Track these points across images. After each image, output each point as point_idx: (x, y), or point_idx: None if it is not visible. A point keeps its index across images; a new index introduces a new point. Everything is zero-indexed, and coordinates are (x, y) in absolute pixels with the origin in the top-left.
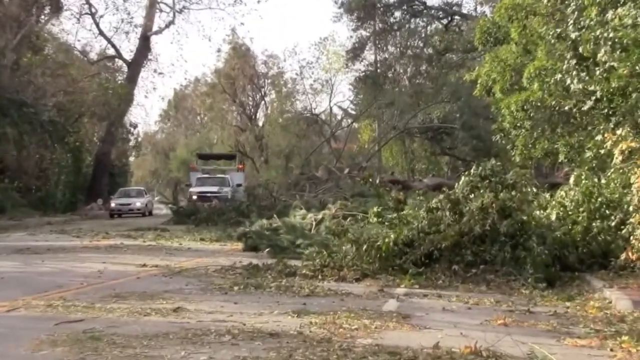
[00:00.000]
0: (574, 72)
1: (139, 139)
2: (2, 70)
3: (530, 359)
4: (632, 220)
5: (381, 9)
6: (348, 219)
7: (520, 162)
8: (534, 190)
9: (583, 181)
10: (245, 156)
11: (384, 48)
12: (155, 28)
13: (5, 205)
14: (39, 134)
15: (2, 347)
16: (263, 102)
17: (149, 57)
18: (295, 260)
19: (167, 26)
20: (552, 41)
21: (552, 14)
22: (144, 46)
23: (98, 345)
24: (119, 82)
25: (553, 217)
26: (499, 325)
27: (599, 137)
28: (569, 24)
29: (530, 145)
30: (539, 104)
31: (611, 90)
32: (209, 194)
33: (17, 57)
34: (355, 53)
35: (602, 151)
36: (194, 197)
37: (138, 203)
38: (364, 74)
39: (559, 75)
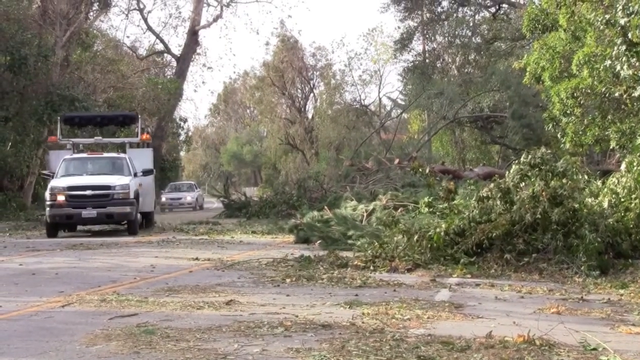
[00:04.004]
0: (624, 58)
1: (190, 134)
2: (53, 67)
3: (583, 347)
4: None
5: None
6: (399, 210)
7: (571, 150)
8: (586, 177)
9: (635, 167)
10: (296, 148)
11: (432, 38)
12: (203, 22)
13: None
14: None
15: (57, 342)
16: (312, 94)
17: (198, 51)
18: (346, 251)
19: (215, 20)
20: (601, 27)
21: None
22: (192, 40)
23: (152, 339)
24: (168, 77)
25: (605, 204)
26: (552, 313)
27: None
28: (618, 9)
29: (580, 133)
30: (589, 91)
31: None
32: (89, 194)
33: (67, 54)
34: (403, 43)
35: None
36: (61, 197)
37: (189, 197)
38: (412, 64)
39: (609, 62)
